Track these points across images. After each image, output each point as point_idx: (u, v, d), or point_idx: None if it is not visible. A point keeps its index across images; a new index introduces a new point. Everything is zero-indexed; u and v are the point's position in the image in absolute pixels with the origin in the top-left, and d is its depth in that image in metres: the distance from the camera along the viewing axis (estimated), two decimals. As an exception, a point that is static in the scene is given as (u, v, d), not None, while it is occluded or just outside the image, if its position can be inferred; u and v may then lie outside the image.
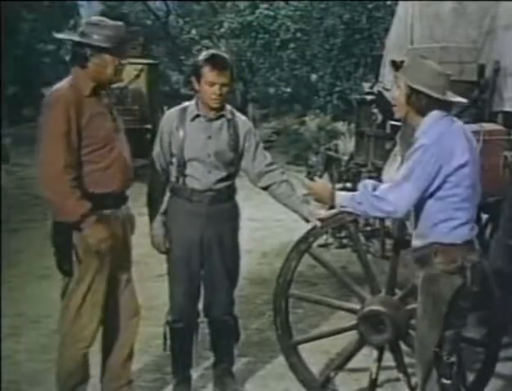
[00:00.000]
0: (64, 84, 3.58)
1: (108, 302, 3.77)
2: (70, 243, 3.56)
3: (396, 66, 3.46)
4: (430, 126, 3.28)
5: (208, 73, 3.91)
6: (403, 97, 3.32)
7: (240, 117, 4.16)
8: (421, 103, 3.28)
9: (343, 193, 3.58)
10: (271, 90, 18.29)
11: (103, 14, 22.51)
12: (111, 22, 3.61)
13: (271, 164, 4.14)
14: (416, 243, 3.38)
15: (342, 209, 3.55)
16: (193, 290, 4.10)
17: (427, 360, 3.34)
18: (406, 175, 3.23)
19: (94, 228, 3.50)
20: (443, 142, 3.23)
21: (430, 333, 3.32)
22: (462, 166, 3.23)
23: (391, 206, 3.25)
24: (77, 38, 3.56)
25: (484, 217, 4.98)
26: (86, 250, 3.54)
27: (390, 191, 3.26)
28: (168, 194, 4.13)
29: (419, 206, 3.30)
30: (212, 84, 3.91)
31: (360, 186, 3.44)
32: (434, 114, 3.29)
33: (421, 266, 3.33)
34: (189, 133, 4.00)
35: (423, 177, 3.21)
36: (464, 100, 3.47)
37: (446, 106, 3.32)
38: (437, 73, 3.30)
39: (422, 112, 3.30)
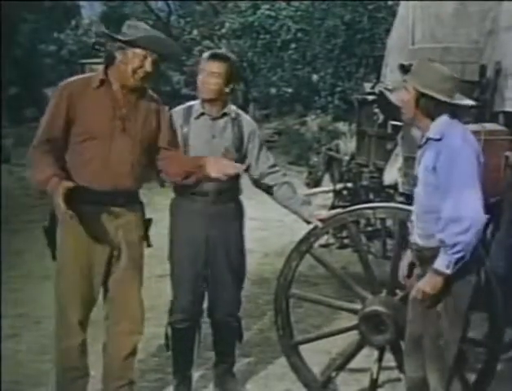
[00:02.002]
0: (79, 76, 3.75)
1: (108, 303, 3.78)
2: (55, 231, 3.62)
3: (404, 69, 3.46)
4: (448, 128, 3.29)
5: (202, 64, 4.01)
6: (412, 100, 3.33)
7: (245, 117, 4.18)
8: (430, 106, 3.30)
9: (439, 262, 3.23)
10: (273, 91, 18.28)
11: (104, 15, 22.61)
12: (146, 26, 3.70)
13: (273, 165, 4.15)
14: (427, 243, 3.36)
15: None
16: (198, 290, 4.10)
17: (451, 359, 3.34)
18: (462, 183, 3.18)
19: (57, 192, 3.38)
20: (469, 141, 3.28)
21: (452, 332, 3.32)
22: (479, 165, 3.27)
23: (469, 219, 3.15)
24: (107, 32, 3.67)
25: (485, 217, 4.97)
26: (62, 241, 3.59)
27: (459, 208, 3.16)
28: (172, 194, 4.14)
29: (434, 206, 3.28)
30: (202, 71, 3.99)
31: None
32: (445, 117, 3.31)
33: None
34: (193, 131, 4.02)
35: (476, 176, 3.21)
36: (471, 102, 3.47)
37: (454, 109, 3.34)
38: (445, 77, 3.31)
39: (431, 115, 3.32)
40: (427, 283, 3.26)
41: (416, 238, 3.44)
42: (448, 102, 3.28)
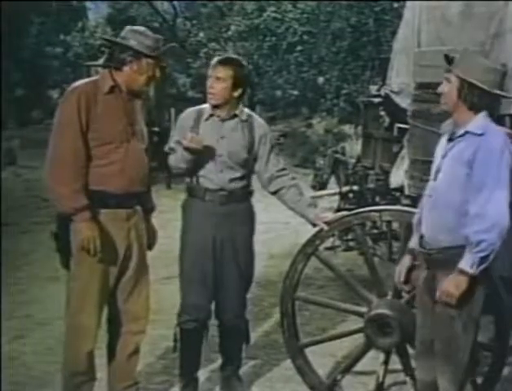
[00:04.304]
0: (85, 80, 3.71)
1: (114, 304, 3.79)
2: (67, 236, 3.61)
3: (448, 60, 3.43)
4: (489, 125, 3.28)
5: (209, 69, 4.05)
6: (455, 91, 3.30)
7: (258, 120, 4.20)
8: (474, 97, 3.27)
9: (463, 261, 3.19)
10: (278, 93, 18.31)
11: (110, 17, 22.65)
12: (152, 33, 3.72)
13: (282, 169, 4.17)
14: (436, 240, 3.32)
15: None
16: (206, 290, 4.08)
17: (464, 362, 3.32)
18: (496, 183, 3.18)
19: (83, 225, 3.52)
20: (508, 143, 3.26)
21: (465, 335, 3.29)
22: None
23: (493, 219, 3.15)
24: (129, 43, 3.62)
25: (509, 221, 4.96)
26: (77, 245, 3.57)
27: (486, 206, 3.17)
28: (179, 196, 4.15)
29: (456, 200, 3.27)
30: (209, 77, 4.03)
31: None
32: (485, 114, 3.30)
33: (448, 268, 3.28)
34: (202, 133, 4.03)
35: (507, 180, 3.20)
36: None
37: (495, 103, 3.33)
38: (489, 68, 3.30)
39: (474, 108, 3.29)
40: (451, 284, 3.22)
41: (424, 234, 3.39)
42: (492, 92, 3.25)
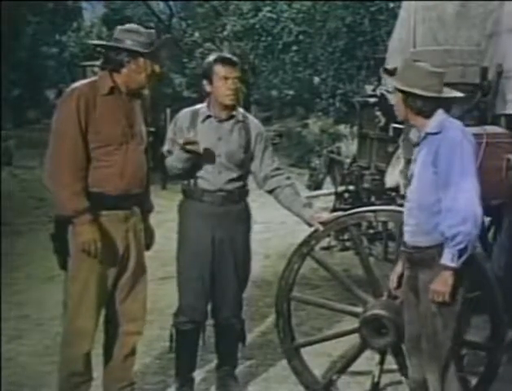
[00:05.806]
0: (84, 81, 3.68)
1: (111, 305, 3.78)
2: (65, 237, 3.60)
3: (390, 73, 3.50)
4: (446, 122, 3.34)
5: (220, 69, 4.01)
6: (401, 101, 3.39)
7: (253, 120, 4.22)
8: (417, 103, 3.34)
9: (444, 257, 3.25)
10: (274, 93, 18.33)
11: (106, 17, 22.65)
12: (144, 29, 3.70)
13: (277, 168, 4.17)
14: (416, 242, 3.38)
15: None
16: (204, 291, 4.09)
17: (444, 357, 3.36)
18: (461, 174, 3.23)
19: (84, 227, 3.51)
20: (468, 136, 3.33)
21: (445, 331, 3.33)
22: (475, 162, 3.32)
23: (464, 210, 3.19)
24: (124, 45, 3.61)
25: (487, 220, 4.98)
26: (78, 247, 3.56)
27: (455, 199, 3.22)
28: (175, 196, 4.15)
29: (428, 202, 3.31)
30: (226, 79, 4.00)
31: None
32: (441, 112, 3.35)
33: (427, 266, 3.34)
34: (199, 134, 4.03)
35: (474, 169, 3.26)
36: (459, 94, 3.49)
37: (444, 104, 3.38)
38: (428, 73, 3.35)
39: (422, 113, 3.36)
40: (438, 283, 3.27)
41: (405, 237, 3.46)
42: (435, 96, 3.31)
